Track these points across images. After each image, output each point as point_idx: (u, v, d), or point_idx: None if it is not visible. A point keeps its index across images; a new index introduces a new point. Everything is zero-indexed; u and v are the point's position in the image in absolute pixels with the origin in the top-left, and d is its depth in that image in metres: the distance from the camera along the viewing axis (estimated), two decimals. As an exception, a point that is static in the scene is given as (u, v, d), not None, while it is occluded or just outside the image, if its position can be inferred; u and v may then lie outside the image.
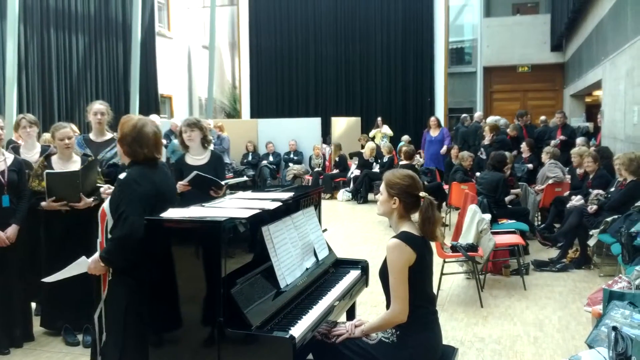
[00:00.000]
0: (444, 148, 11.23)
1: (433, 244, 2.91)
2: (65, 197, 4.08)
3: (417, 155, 11.08)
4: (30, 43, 11.49)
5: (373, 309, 4.84)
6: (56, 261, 4.00)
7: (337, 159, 12.79)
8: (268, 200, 3.03)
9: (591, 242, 5.96)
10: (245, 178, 9.72)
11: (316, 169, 12.87)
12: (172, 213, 2.73)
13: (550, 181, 7.79)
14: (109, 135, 4.74)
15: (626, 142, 8.36)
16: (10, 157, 4.19)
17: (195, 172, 4.21)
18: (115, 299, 2.91)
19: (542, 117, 12.84)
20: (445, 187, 9.16)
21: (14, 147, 4.79)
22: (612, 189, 6.26)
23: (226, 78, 19.76)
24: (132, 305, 2.83)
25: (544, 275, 6.02)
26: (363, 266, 3.58)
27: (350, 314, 3.55)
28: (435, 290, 3.74)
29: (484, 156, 9.17)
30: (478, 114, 13.50)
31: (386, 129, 14.05)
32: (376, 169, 11.75)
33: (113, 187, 3.03)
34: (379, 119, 14.32)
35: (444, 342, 2.94)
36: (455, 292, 5.53)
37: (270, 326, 2.59)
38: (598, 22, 11.20)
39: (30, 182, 4.20)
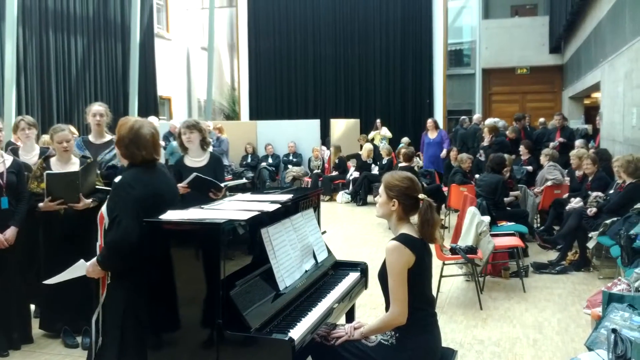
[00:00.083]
0: (444, 152, 11.23)
1: (432, 246, 2.90)
2: (65, 198, 4.08)
3: (417, 157, 11.08)
4: (29, 45, 11.48)
5: (372, 311, 4.83)
6: (55, 263, 3.99)
7: (336, 160, 12.78)
8: (267, 202, 3.03)
9: (590, 245, 5.96)
10: (244, 180, 9.71)
11: (315, 171, 12.86)
12: (171, 215, 2.72)
13: (549, 183, 7.79)
14: (108, 136, 4.73)
15: (625, 144, 8.36)
16: (9, 159, 4.19)
17: (194, 174, 4.21)
18: (113, 302, 2.90)
19: (541, 119, 12.86)
20: (445, 189, 9.16)
21: (13, 149, 4.78)
22: (611, 191, 6.26)
23: (225, 80, 19.76)
24: (130, 309, 2.82)
25: (543, 277, 6.02)
26: (362, 268, 3.58)
27: (350, 316, 3.55)
28: (434, 293, 3.74)
29: (483, 158, 9.18)
30: (477, 116, 13.52)
31: (385, 131, 14.06)
32: (375, 170, 11.75)
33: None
34: (378, 120, 14.33)
35: (443, 344, 2.94)
36: (455, 295, 5.52)
37: (270, 328, 2.59)
38: (596, 24, 11.22)
39: (29, 184, 4.19)
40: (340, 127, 14.25)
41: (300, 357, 2.57)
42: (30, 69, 11.48)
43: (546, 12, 18.70)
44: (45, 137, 5.90)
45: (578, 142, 9.25)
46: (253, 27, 17.87)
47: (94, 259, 2.87)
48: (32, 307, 4.66)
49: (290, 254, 3.00)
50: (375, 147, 12.84)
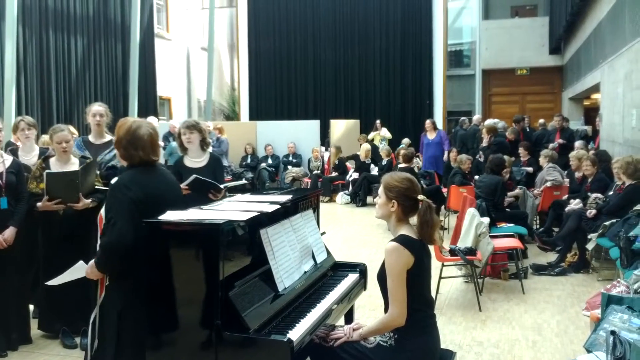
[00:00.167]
0: (446, 154, 11.22)
1: (431, 248, 2.90)
2: (64, 198, 4.07)
3: (416, 158, 11.08)
4: (29, 44, 11.48)
5: (371, 313, 4.83)
6: (54, 264, 4.00)
7: (336, 161, 12.78)
8: (266, 202, 3.03)
9: (590, 246, 5.96)
10: (244, 181, 9.69)
11: (315, 172, 12.86)
12: (171, 215, 2.72)
13: (548, 184, 7.79)
14: (108, 137, 4.73)
15: (625, 145, 8.37)
16: (8, 159, 4.18)
17: (194, 176, 4.20)
18: (110, 303, 2.90)
19: (541, 120, 12.87)
20: (444, 190, 9.16)
21: (12, 150, 4.78)
22: (611, 193, 6.26)
23: (225, 80, 19.76)
24: (127, 310, 2.81)
25: (543, 279, 6.02)
26: (361, 269, 3.58)
27: (349, 318, 3.55)
28: (433, 294, 3.75)
29: (482, 159, 9.18)
30: (477, 116, 13.52)
31: (385, 132, 14.06)
32: (374, 171, 11.75)
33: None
34: (378, 121, 14.33)
35: (442, 346, 2.94)
36: (454, 296, 5.52)
37: (268, 329, 2.59)
38: (596, 25, 11.23)
39: (29, 185, 4.19)
40: (340, 127, 14.26)
41: (299, 358, 2.57)
42: (30, 68, 11.48)
43: (546, 13, 18.71)
44: (45, 138, 5.90)
45: (577, 144, 9.25)
46: (253, 28, 17.88)
47: (93, 261, 2.87)
48: (31, 307, 4.66)
49: (289, 255, 3.00)
50: (374, 147, 12.83)
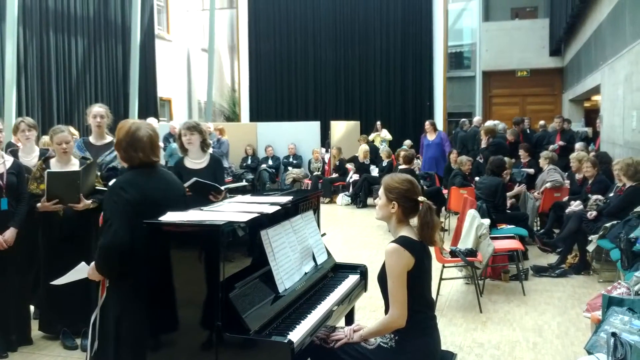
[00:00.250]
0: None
1: (432, 249, 2.90)
2: (65, 197, 4.06)
3: (416, 160, 11.08)
4: (29, 45, 11.49)
5: (372, 314, 4.82)
6: (54, 264, 4.01)
7: (337, 162, 12.78)
8: (267, 204, 3.03)
9: (590, 248, 5.95)
10: (245, 183, 9.68)
11: (315, 173, 12.86)
12: (171, 216, 2.72)
13: (547, 185, 7.78)
14: (108, 138, 4.73)
15: (625, 147, 8.36)
16: (9, 160, 4.18)
17: (194, 179, 4.19)
18: (110, 305, 2.90)
19: (541, 122, 12.87)
20: (445, 191, 9.16)
21: (13, 151, 4.77)
22: (611, 195, 6.25)
23: (225, 81, 19.77)
24: (127, 311, 2.81)
25: (543, 280, 6.02)
26: (362, 271, 3.57)
27: (349, 319, 3.55)
28: (434, 296, 3.74)
29: (482, 161, 9.18)
30: (477, 118, 13.52)
31: (385, 133, 14.06)
32: (375, 172, 11.75)
33: None
34: (378, 123, 14.33)
35: (443, 347, 2.93)
36: (454, 297, 5.52)
37: (269, 331, 2.58)
38: (597, 27, 11.23)
39: (29, 185, 4.19)
40: (341, 129, 14.26)
41: (299, 359, 2.57)
42: (30, 69, 11.49)
43: (546, 15, 18.72)
44: (45, 139, 5.90)
45: (578, 145, 9.26)
46: (253, 29, 17.89)
47: (94, 262, 2.87)
48: (32, 308, 4.65)
49: (289, 256, 3.00)
50: (374, 148, 12.83)
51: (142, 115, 13.08)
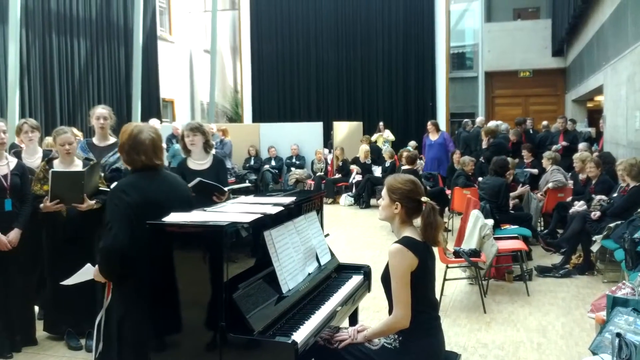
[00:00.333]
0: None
1: (436, 249, 2.89)
2: (69, 197, 4.06)
3: (420, 160, 11.06)
4: (32, 47, 11.52)
5: (376, 315, 4.82)
6: (58, 265, 4.02)
7: (340, 163, 12.78)
8: (270, 204, 3.02)
9: (594, 248, 5.94)
10: (248, 184, 9.69)
11: (318, 174, 12.86)
12: (174, 217, 2.72)
13: (550, 185, 7.77)
14: (112, 139, 4.73)
15: (628, 147, 8.35)
16: (13, 161, 4.20)
17: (198, 179, 4.20)
18: (114, 306, 2.90)
19: (544, 122, 12.85)
20: (448, 192, 9.15)
21: (16, 152, 4.79)
22: (615, 195, 6.24)
23: (228, 82, 19.79)
24: (131, 312, 2.81)
25: (547, 281, 6.00)
26: (365, 271, 3.57)
27: (353, 320, 3.54)
28: (438, 296, 3.73)
29: (483, 161, 9.17)
30: (480, 118, 13.50)
31: (388, 134, 14.05)
32: (378, 173, 11.74)
33: None
34: (381, 123, 14.32)
35: (447, 348, 2.93)
36: (458, 298, 5.51)
37: (273, 331, 2.58)
38: (599, 28, 11.22)
39: (33, 186, 4.20)
40: (343, 129, 14.26)
41: (303, 360, 2.57)
42: (33, 71, 11.52)
43: (549, 15, 18.71)
44: (49, 140, 5.92)
45: (581, 146, 9.24)
46: (255, 30, 17.90)
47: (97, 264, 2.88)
48: (37, 309, 4.66)
49: (293, 257, 3.00)
50: (376, 148, 12.81)
51: (145, 116, 13.10)
